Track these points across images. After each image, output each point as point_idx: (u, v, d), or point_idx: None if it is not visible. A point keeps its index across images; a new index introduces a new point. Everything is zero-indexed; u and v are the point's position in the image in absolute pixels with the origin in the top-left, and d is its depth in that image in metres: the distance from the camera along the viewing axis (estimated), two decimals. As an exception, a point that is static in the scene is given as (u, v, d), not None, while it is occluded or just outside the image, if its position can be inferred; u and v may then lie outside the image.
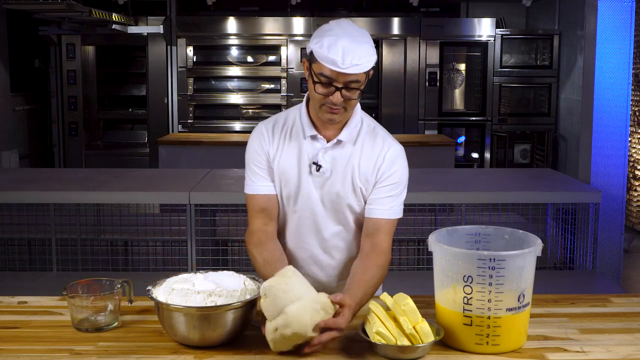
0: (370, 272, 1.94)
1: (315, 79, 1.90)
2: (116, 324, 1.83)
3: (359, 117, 2.06)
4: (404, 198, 2.07)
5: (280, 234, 2.12)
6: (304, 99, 2.07)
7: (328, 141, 2.02)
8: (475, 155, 7.40)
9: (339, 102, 1.90)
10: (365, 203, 2.06)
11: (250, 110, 7.50)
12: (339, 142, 2.02)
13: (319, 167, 2.01)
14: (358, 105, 2.05)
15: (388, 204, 2.03)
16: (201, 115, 7.41)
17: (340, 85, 1.88)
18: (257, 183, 2.07)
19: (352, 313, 1.75)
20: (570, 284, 3.99)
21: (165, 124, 7.34)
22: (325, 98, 1.90)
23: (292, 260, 2.12)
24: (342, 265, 2.12)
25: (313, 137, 2.02)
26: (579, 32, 6.20)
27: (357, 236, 2.10)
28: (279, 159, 2.05)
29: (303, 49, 7.14)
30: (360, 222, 2.08)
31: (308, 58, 1.94)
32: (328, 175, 2.02)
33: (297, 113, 2.07)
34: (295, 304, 1.62)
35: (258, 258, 1.99)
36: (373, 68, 1.93)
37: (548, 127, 7.03)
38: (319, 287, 2.11)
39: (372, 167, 2.02)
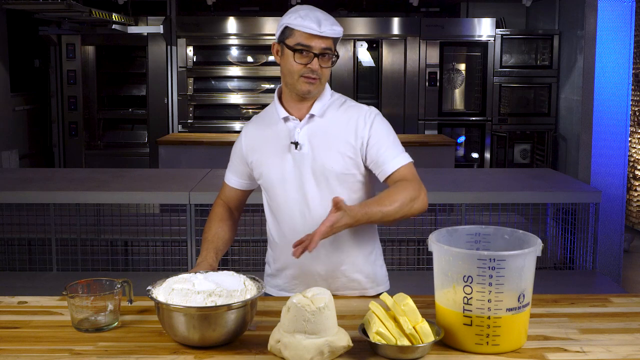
0: (388, 190, 2.00)
1: (294, 50, 2.01)
2: (116, 324, 1.83)
3: (329, 93, 2.15)
4: (402, 146, 2.11)
5: (274, 222, 2.17)
6: (276, 92, 2.16)
7: (301, 120, 2.09)
8: (475, 155, 7.40)
9: (317, 69, 2.01)
10: (361, 172, 2.08)
11: (250, 110, 7.50)
12: (312, 116, 2.09)
13: (296, 144, 2.07)
14: (327, 85, 2.15)
15: (392, 154, 2.06)
16: (201, 115, 7.41)
17: (317, 52, 2.00)
18: (228, 174, 2.26)
19: (350, 217, 1.87)
20: (570, 284, 3.99)
21: (165, 124, 7.35)
22: (304, 68, 2.01)
23: (287, 247, 2.11)
24: (337, 245, 2.09)
25: (285, 119, 2.10)
26: (579, 32, 6.21)
27: None
28: (256, 151, 2.14)
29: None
30: (352, 194, 2.08)
31: (280, 39, 2.06)
32: (308, 151, 2.07)
33: (272, 105, 2.18)
34: (307, 338, 1.60)
35: (213, 227, 2.21)
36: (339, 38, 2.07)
37: (548, 127, 7.04)
38: (317, 277, 2.11)
39: (354, 133, 2.07)
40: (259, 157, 2.14)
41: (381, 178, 2.09)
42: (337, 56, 2.06)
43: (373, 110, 2.12)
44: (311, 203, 2.07)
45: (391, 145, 2.08)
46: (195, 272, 1.85)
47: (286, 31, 2.02)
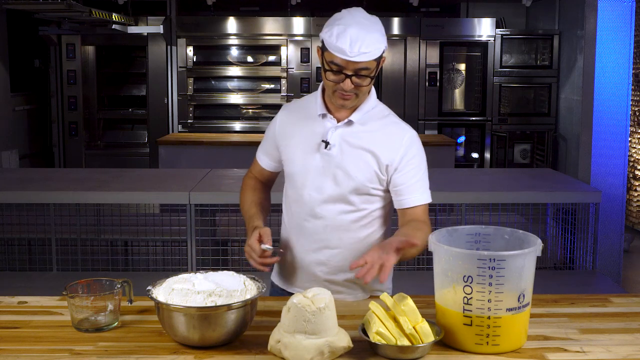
0: (418, 231, 1.97)
1: (327, 67, 1.96)
2: (116, 324, 1.83)
3: (374, 102, 2.10)
4: (428, 182, 2.10)
5: (286, 208, 2.18)
6: (321, 84, 2.11)
7: (339, 121, 2.06)
8: (475, 155, 7.40)
9: (350, 88, 1.95)
10: (383, 190, 2.07)
11: (250, 110, 7.50)
12: (350, 122, 2.05)
13: (327, 144, 2.04)
14: (373, 92, 2.09)
15: (417, 190, 2.05)
16: (201, 115, 7.41)
17: (350, 73, 1.94)
18: (260, 153, 2.25)
19: (393, 253, 1.83)
20: (570, 284, 3.99)
21: (165, 124, 7.35)
22: (337, 85, 1.96)
23: (293, 245, 2.14)
24: (344, 250, 2.09)
25: (323, 116, 2.07)
26: (579, 32, 6.20)
27: (359, 218, 2.09)
28: (287, 138, 2.11)
29: (303, 49, 7.15)
30: (367, 205, 2.07)
31: (321, 47, 1.99)
32: (336, 154, 2.04)
33: (314, 96, 2.13)
34: (307, 338, 1.60)
35: (247, 195, 2.23)
36: (384, 55, 1.98)
37: (548, 127, 7.03)
38: (319, 282, 2.11)
39: (389, 152, 2.03)
40: (287, 145, 2.12)
41: (396, 205, 2.08)
42: (372, 77, 1.96)
43: (414, 134, 2.08)
44: (323, 204, 2.06)
45: (420, 179, 2.06)
46: (196, 272, 1.85)
47: (323, 44, 1.96)
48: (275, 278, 2.26)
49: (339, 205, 2.06)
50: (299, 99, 2.25)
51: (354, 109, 2.05)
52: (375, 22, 1.97)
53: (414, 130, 2.10)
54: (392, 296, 1.74)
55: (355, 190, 2.05)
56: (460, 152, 7.50)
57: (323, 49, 1.97)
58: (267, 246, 1.97)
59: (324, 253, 2.10)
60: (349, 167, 2.03)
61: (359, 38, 1.89)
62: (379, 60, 1.97)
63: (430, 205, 2.13)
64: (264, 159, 2.24)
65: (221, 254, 4.12)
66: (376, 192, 2.07)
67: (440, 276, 1.71)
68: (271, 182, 2.30)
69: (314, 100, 2.12)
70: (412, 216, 2.05)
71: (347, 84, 1.94)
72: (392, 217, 2.18)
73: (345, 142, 2.04)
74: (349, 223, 2.08)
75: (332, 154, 2.04)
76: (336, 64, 1.93)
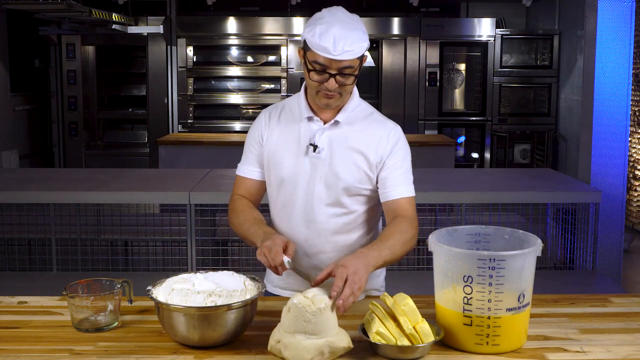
0: (390, 231, 1.96)
1: (310, 67, 1.96)
2: (116, 324, 1.83)
3: (357, 101, 2.10)
4: (412, 176, 2.09)
5: (273, 220, 2.15)
6: (302, 86, 2.11)
7: (325, 123, 2.05)
8: (475, 155, 7.40)
9: (334, 88, 1.95)
10: (371, 188, 2.07)
11: (250, 110, 7.50)
12: (337, 122, 2.05)
13: (315, 147, 2.03)
14: (356, 91, 2.10)
15: (401, 182, 2.05)
16: (201, 115, 7.41)
17: (333, 72, 1.93)
18: (245, 166, 2.16)
19: (366, 271, 1.80)
20: (570, 284, 3.99)
21: (165, 124, 7.35)
22: (321, 85, 1.96)
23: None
24: (339, 254, 2.08)
25: (309, 119, 2.06)
26: (579, 32, 6.21)
27: (352, 220, 2.09)
28: (273, 142, 2.09)
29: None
30: (359, 206, 2.08)
31: (302, 47, 1.99)
32: (325, 156, 2.03)
33: (297, 99, 2.12)
34: (307, 338, 1.60)
35: (246, 213, 2.06)
36: (367, 51, 1.99)
37: (548, 127, 7.03)
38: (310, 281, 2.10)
39: (375, 149, 2.04)
40: (274, 150, 2.08)
41: (381, 198, 2.08)
42: (356, 76, 1.96)
43: (398, 130, 2.09)
44: (316, 207, 2.06)
45: (404, 172, 2.06)
46: (196, 272, 1.85)
47: (306, 44, 1.96)
48: (268, 286, 2.23)
49: (331, 209, 2.06)
50: (277, 102, 2.21)
51: (338, 109, 2.06)
52: (356, 20, 1.98)
53: (398, 125, 2.11)
54: (392, 296, 1.74)
55: (347, 192, 2.05)
56: (460, 152, 7.50)
57: (305, 49, 1.97)
58: (288, 259, 1.86)
59: (319, 257, 2.09)
60: (339, 169, 2.03)
61: (342, 37, 1.89)
62: (362, 58, 1.97)
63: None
64: (252, 171, 2.14)
65: (221, 254, 4.12)
66: (366, 192, 2.07)
67: (440, 276, 1.71)
68: (259, 198, 2.19)
69: (296, 102, 2.11)
70: (398, 210, 2.03)
71: (332, 84, 1.94)
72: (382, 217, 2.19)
73: (334, 144, 2.04)
74: (341, 225, 2.08)
75: (322, 157, 2.03)
76: (320, 63, 1.93)
